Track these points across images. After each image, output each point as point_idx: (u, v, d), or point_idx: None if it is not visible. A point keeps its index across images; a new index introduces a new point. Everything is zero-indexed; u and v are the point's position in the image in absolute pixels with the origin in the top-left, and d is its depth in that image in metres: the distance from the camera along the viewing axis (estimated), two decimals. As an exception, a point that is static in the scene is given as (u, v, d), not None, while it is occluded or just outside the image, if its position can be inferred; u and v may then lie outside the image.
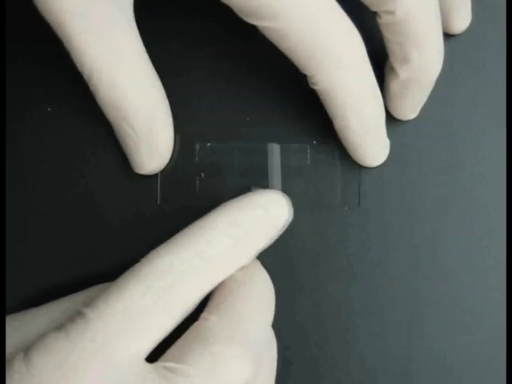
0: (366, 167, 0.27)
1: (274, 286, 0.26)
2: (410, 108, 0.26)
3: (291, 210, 0.24)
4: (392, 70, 0.25)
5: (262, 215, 0.23)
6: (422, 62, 0.24)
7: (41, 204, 0.27)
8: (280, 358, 0.26)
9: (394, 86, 0.25)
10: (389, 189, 0.27)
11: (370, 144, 0.25)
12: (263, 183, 0.27)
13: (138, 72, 0.24)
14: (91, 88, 0.24)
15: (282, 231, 0.24)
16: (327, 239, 0.27)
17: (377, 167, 0.27)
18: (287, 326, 0.27)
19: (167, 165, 0.26)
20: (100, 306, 0.21)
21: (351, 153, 0.26)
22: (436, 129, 0.27)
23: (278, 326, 0.26)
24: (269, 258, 0.27)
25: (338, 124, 0.25)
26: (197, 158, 0.27)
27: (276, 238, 0.24)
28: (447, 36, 0.27)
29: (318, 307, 0.27)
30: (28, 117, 0.27)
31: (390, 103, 0.26)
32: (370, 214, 0.27)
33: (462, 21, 0.27)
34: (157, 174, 0.27)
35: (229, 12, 0.23)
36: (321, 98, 0.25)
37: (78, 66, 0.24)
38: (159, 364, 0.21)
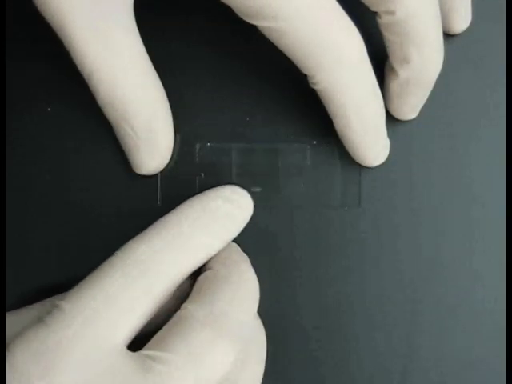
0: (366, 167, 0.27)
1: (274, 286, 0.26)
2: (410, 108, 0.26)
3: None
4: (392, 70, 0.25)
5: (229, 203, 0.24)
6: (422, 62, 0.24)
7: (41, 204, 0.27)
8: (280, 358, 0.26)
9: (393, 86, 0.25)
10: (389, 189, 0.27)
11: (371, 144, 0.25)
12: (261, 183, 0.27)
13: (138, 72, 0.24)
14: (91, 88, 0.24)
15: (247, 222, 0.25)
16: (327, 239, 0.27)
17: (377, 167, 0.27)
18: (287, 325, 0.27)
19: (167, 165, 0.26)
20: (73, 297, 0.21)
21: (351, 152, 0.26)
22: (436, 129, 0.27)
23: (277, 325, 0.26)
24: (268, 257, 0.27)
25: (338, 124, 0.25)
26: (197, 158, 0.27)
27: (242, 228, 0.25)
28: (447, 36, 0.27)
29: (318, 307, 0.27)
30: (28, 117, 0.27)
31: (390, 103, 0.26)
32: (369, 214, 0.27)
33: (462, 20, 0.27)
34: (157, 174, 0.27)
35: (229, 12, 0.23)
36: (321, 97, 0.25)
37: (79, 66, 0.24)
38: (140, 352, 0.21)
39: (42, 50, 0.27)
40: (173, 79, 0.27)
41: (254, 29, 0.23)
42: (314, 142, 0.27)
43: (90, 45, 0.23)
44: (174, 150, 0.26)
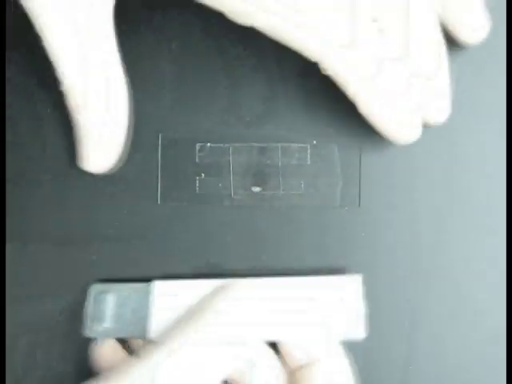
0: (366, 168, 0.27)
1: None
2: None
3: None
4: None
5: None
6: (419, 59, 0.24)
7: (41, 204, 0.27)
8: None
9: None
10: (389, 189, 0.27)
11: (397, 118, 0.25)
12: (262, 183, 0.27)
13: (104, 64, 0.24)
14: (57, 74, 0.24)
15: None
16: (327, 239, 0.27)
17: (377, 167, 0.27)
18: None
19: (168, 165, 0.26)
20: None
21: (383, 132, 0.25)
22: (436, 129, 0.27)
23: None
24: (269, 257, 0.27)
25: (361, 106, 0.24)
26: (197, 158, 0.27)
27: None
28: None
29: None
30: (28, 117, 0.27)
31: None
32: (370, 214, 0.27)
33: (477, 29, 0.26)
34: (157, 174, 0.27)
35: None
36: (337, 82, 0.24)
37: (48, 51, 0.24)
38: None
39: (41, 50, 0.27)
40: (174, 80, 0.27)
41: (253, 30, 0.23)
42: (314, 142, 0.27)
43: (60, 31, 0.23)
44: (175, 151, 0.26)
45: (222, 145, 0.27)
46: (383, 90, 0.24)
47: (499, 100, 0.27)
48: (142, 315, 0.25)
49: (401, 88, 0.24)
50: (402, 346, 0.26)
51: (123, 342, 0.26)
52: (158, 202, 0.27)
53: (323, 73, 0.24)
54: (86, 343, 0.26)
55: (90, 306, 0.26)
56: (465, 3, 0.26)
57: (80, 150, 0.26)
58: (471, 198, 0.27)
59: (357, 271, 0.27)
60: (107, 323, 0.25)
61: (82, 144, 0.25)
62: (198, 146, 0.27)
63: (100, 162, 0.26)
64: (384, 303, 0.26)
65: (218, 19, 0.26)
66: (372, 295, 0.26)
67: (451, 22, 0.25)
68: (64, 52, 0.23)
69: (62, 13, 0.23)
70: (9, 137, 0.27)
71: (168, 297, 0.25)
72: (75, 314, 0.26)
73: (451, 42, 0.26)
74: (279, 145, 0.27)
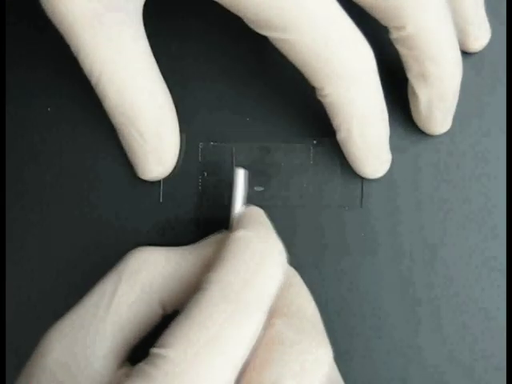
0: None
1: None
2: (438, 123, 0.26)
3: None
4: (412, 88, 0.25)
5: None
6: (440, 77, 0.24)
7: (41, 204, 0.27)
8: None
9: (417, 104, 0.25)
10: (391, 189, 0.27)
11: (371, 158, 0.25)
12: (264, 183, 0.27)
13: (146, 77, 0.24)
14: (99, 92, 0.24)
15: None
16: (328, 239, 0.27)
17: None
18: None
19: (173, 170, 0.26)
20: (177, 343, 0.18)
21: (351, 164, 0.26)
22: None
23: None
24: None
25: (341, 136, 0.25)
26: (200, 158, 0.27)
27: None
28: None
29: (318, 307, 0.27)
30: (28, 117, 0.27)
31: (418, 121, 0.26)
32: (371, 214, 0.27)
33: (478, 37, 0.27)
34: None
35: (230, 13, 0.23)
36: (327, 110, 0.24)
37: (87, 70, 0.23)
38: None
39: (42, 50, 0.27)
40: (176, 81, 0.26)
41: (255, 31, 0.23)
42: (314, 142, 0.27)
43: (101, 50, 0.22)
44: (179, 153, 0.26)
45: (224, 144, 0.27)
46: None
47: (499, 100, 0.27)
48: None
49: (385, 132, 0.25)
50: (402, 346, 0.27)
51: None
52: (161, 201, 0.27)
53: (319, 99, 0.24)
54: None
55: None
56: (467, 12, 0.26)
57: (136, 161, 0.26)
58: (472, 198, 0.27)
59: (357, 272, 0.27)
60: None
61: (139, 155, 0.25)
62: (201, 145, 0.27)
63: (158, 170, 0.26)
64: (384, 303, 0.27)
65: (218, 18, 0.26)
66: (372, 295, 0.27)
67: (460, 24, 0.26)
68: (114, 72, 0.23)
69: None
70: (9, 137, 0.27)
71: None
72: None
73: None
74: (281, 144, 0.27)
